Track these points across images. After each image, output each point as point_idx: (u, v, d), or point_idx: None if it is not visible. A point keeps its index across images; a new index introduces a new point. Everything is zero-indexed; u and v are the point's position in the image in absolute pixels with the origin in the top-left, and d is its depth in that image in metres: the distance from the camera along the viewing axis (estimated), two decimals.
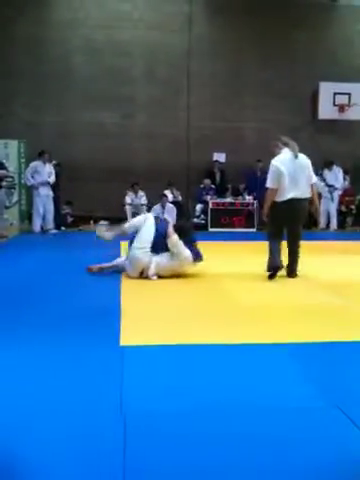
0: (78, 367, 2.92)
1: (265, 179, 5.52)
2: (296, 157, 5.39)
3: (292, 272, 5.51)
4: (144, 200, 11.51)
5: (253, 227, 10.95)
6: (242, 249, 7.97)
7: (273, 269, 5.39)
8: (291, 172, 5.32)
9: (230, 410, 2.40)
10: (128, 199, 11.50)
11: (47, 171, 10.10)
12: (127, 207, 11.46)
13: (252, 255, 6.92)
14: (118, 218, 11.11)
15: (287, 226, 5.52)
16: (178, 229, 5.51)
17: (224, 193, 11.59)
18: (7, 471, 1.89)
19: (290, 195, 5.31)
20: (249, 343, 3.36)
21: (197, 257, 5.45)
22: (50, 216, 10.16)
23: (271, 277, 5.38)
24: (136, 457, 1.98)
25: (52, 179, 10.15)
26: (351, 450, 2.05)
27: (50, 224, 10.16)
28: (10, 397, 2.52)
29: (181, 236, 5.43)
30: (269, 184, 5.42)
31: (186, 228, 5.87)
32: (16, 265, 6.31)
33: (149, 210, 11.09)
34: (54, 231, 10.12)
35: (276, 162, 5.36)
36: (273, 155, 5.51)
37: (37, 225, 10.10)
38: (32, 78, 11.44)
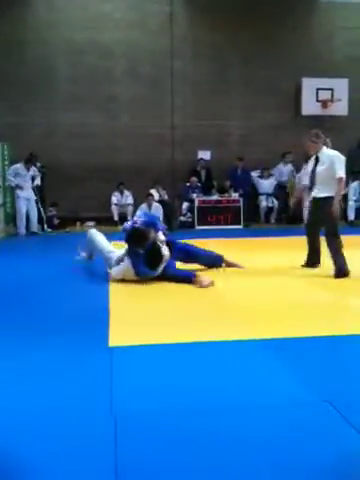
0: (67, 369, 2.92)
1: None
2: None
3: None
4: (130, 200, 11.50)
5: (239, 224, 10.99)
6: (229, 246, 7.99)
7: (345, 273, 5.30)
8: None
9: (220, 408, 2.42)
10: (114, 199, 11.48)
11: (29, 175, 10.03)
12: (113, 207, 11.44)
13: (239, 252, 6.95)
14: (105, 218, 11.13)
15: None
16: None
17: (210, 191, 11.62)
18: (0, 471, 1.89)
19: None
20: (237, 340, 3.38)
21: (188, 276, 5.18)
22: (34, 218, 10.10)
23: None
24: (127, 456, 1.99)
25: (36, 183, 10.10)
26: (342, 445, 2.08)
27: (34, 226, 10.11)
28: (1, 399, 2.51)
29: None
30: (343, 174, 5.40)
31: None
32: (2, 269, 6.27)
33: (135, 209, 11.08)
34: (40, 233, 10.08)
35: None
36: (307, 151, 5.60)
37: (21, 228, 10.03)
38: (14, 80, 11.35)
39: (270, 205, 11.78)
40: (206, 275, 5.17)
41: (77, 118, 11.59)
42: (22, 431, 2.20)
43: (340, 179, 5.33)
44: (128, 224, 10.39)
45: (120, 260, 5.32)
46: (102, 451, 2.03)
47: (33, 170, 10.10)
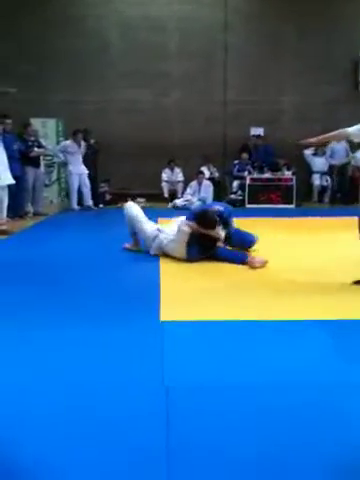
0: (119, 343, 2.96)
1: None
2: None
3: None
4: (181, 177, 11.48)
5: (292, 203, 10.78)
6: (280, 225, 7.86)
7: None
8: None
9: (269, 386, 2.40)
10: (165, 176, 11.49)
11: (81, 151, 10.04)
12: (164, 184, 11.46)
13: (290, 231, 6.83)
14: (155, 194, 11.18)
15: None
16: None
17: (262, 169, 11.42)
18: (58, 439, 1.95)
19: None
20: (285, 319, 3.33)
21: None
22: (87, 193, 10.21)
23: None
24: (179, 431, 2.00)
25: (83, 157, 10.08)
26: None
27: (88, 201, 10.24)
28: (57, 372, 2.58)
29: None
30: None
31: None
32: (55, 243, 6.41)
33: (185, 187, 11.06)
34: (93, 208, 10.21)
35: None
36: None
37: (74, 203, 10.18)
38: (68, 57, 11.46)
39: (324, 184, 11.48)
40: (259, 256, 5.08)
41: (129, 94, 11.60)
42: (77, 401, 2.26)
43: None
44: (179, 201, 10.51)
45: (155, 237, 5.32)
46: (154, 425, 2.05)
47: (83, 146, 10.14)
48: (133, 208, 5.63)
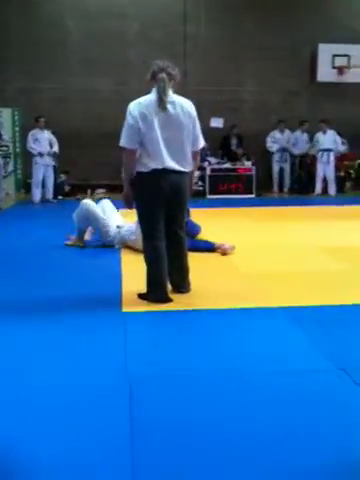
0: (81, 335, 2.93)
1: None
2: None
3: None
4: None
5: (252, 193, 10.88)
6: (241, 215, 7.94)
7: None
8: None
9: (234, 374, 2.43)
10: None
11: (46, 138, 9.84)
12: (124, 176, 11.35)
13: (251, 221, 6.90)
14: (115, 185, 11.05)
15: None
16: None
17: (222, 158, 11.46)
18: (22, 436, 1.92)
19: None
20: (251, 307, 3.37)
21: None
22: (51, 185, 10.02)
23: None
24: (142, 419, 2.01)
25: (54, 149, 9.90)
26: (356, 412, 2.08)
27: (50, 194, 10.05)
28: (18, 370, 2.53)
29: None
30: None
31: None
32: (15, 235, 6.28)
33: None
34: (53, 201, 10.03)
35: None
36: None
37: (37, 195, 9.95)
38: (25, 44, 11.17)
39: (283, 165, 11.44)
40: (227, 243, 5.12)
41: (88, 83, 11.40)
42: (41, 397, 2.23)
43: None
44: None
45: (117, 233, 5.34)
46: (118, 414, 2.05)
47: (48, 134, 9.90)
48: (92, 206, 5.51)
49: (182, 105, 3.47)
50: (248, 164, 11.15)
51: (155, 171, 3.37)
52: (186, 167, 3.47)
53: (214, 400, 2.16)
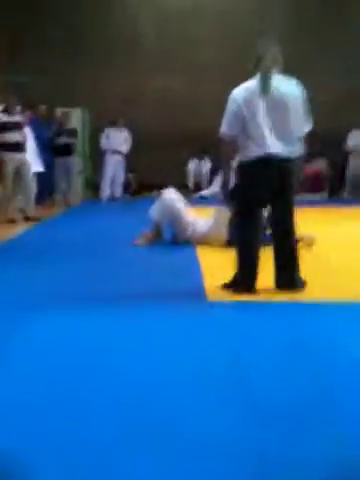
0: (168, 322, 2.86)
1: None
2: None
3: None
4: (208, 168, 11.35)
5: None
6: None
7: None
8: None
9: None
10: (191, 167, 11.39)
11: (120, 137, 9.98)
12: (191, 175, 11.37)
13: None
14: (181, 185, 11.01)
15: None
16: None
17: None
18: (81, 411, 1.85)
19: None
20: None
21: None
22: (120, 183, 10.13)
23: None
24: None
25: (125, 148, 10.03)
26: None
27: (118, 192, 10.16)
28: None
29: None
30: None
31: None
32: (84, 231, 6.32)
33: (212, 178, 10.92)
34: (122, 198, 10.12)
35: None
36: None
37: (106, 191, 10.05)
38: (98, 45, 11.38)
39: None
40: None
41: (160, 83, 11.45)
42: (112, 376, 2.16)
43: None
44: (206, 192, 10.37)
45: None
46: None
47: (125, 133, 10.04)
48: (177, 201, 5.25)
49: (287, 86, 3.28)
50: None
51: (258, 159, 3.22)
52: (293, 153, 3.28)
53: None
